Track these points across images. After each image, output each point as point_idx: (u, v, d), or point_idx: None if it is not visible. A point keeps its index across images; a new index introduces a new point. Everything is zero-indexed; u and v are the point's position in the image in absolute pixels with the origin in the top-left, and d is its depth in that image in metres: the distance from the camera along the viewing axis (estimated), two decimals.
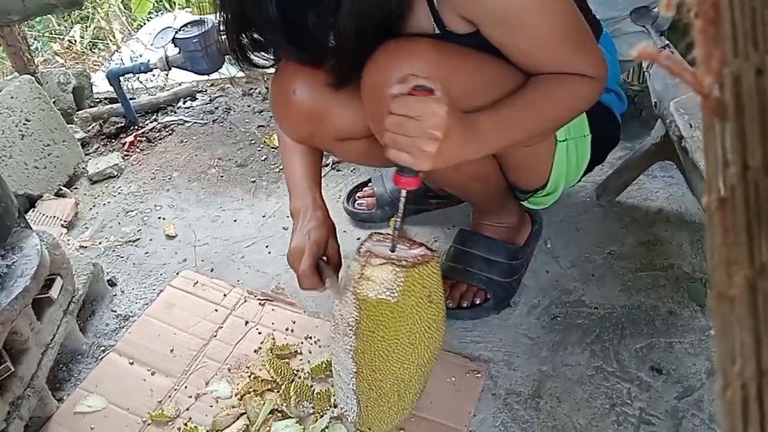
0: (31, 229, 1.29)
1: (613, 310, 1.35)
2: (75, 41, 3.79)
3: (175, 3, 3.38)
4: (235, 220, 1.76)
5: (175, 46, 2.07)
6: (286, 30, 1.09)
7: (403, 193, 0.99)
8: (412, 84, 0.89)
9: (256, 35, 1.12)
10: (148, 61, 2.17)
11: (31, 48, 2.27)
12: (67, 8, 2.12)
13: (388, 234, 1.06)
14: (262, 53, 1.16)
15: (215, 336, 1.39)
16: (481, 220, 1.42)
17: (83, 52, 3.72)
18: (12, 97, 1.91)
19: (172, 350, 1.37)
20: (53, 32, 3.86)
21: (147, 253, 1.69)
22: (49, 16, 3.51)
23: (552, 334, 1.32)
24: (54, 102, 2.09)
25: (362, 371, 1.02)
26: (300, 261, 1.15)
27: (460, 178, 1.23)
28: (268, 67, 1.20)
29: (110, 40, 3.70)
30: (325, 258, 1.18)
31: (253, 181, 1.91)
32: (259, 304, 1.46)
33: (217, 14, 1.09)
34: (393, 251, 1.01)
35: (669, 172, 1.64)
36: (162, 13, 3.63)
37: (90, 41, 3.75)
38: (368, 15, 0.97)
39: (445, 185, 1.32)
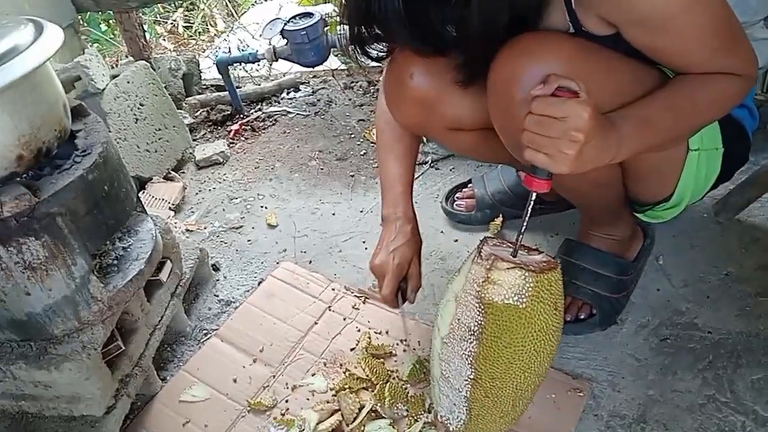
0: (146, 213, 1.34)
1: (729, 336, 1.26)
2: (177, 25, 3.94)
3: None
4: (333, 214, 1.78)
5: (283, 37, 2.11)
6: (411, 23, 1.08)
7: (533, 196, 0.95)
8: (556, 84, 0.86)
9: (376, 29, 1.11)
10: (257, 51, 2.22)
11: (146, 34, 2.37)
12: None
13: (504, 240, 1.04)
14: (380, 46, 1.15)
15: (312, 329, 1.41)
16: (591, 230, 1.36)
17: (187, 36, 3.86)
18: (128, 82, 1.99)
19: (271, 342, 1.39)
20: (158, 15, 4.02)
21: (249, 240, 1.73)
22: None
23: (661, 357, 1.25)
24: (165, 87, 2.17)
25: (480, 378, 0.99)
26: (381, 281, 1.22)
27: (584, 185, 1.18)
28: (383, 59, 1.19)
29: (211, 25, 3.82)
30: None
31: (352, 176, 1.92)
32: (356, 300, 1.46)
33: (340, 8, 1.09)
34: (515, 256, 0.98)
35: None
36: (266, 1, 3.72)
37: (193, 26, 3.88)
38: (500, 12, 0.94)
39: (567, 190, 1.27)
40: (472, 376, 1.00)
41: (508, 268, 0.96)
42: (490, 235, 1.07)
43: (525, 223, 0.98)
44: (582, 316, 1.32)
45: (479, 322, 0.97)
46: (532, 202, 0.96)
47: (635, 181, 1.20)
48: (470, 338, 0.98)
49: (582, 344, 1.30)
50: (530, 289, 0.94)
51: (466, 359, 0.99)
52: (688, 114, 0.99)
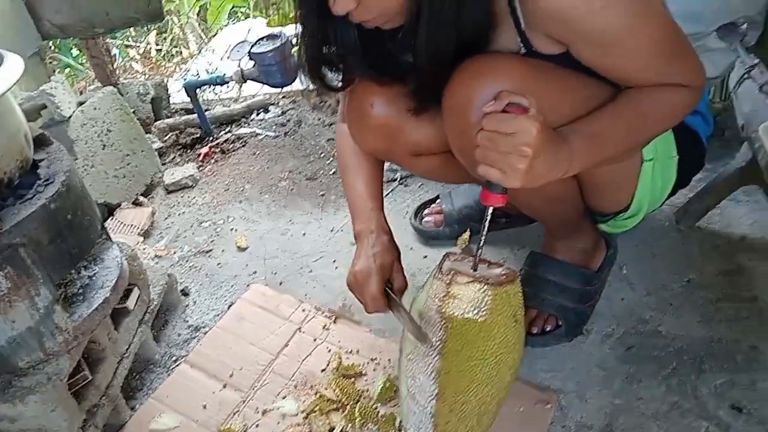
0: (112, 240, 1.34)
1: (692, 343, 1.29)
2: (150, 49, 3.94)
3: (248, 14, 3.46)
4: (304, 234, 1.79)
5: (251, 59, 2.12)
6: (366, 54, 1.11)
7: (489, 210, 0.97)
8: (506, 101, 0.89)
9: (334, 59, 1.14)
10: (224, 74, 2.23)
11: (113, 59, 2.37)
12: (149, 21, 2.20)
13: (466, 254, 1.06)
14: (337, 74, 1.18)
15: (283, 351, 1.41)
16: (554, 242, 1.39)
17: (158, 59, 3.87)
18: (95, 109, 1.99)
19: (241, 366, 1.39)
20: (130, 38, 4.02)
21: (219, 264, 1.73)
22: None
23: (626, 366, 1.27)
24: (133, 112, 2.17)
25: (444, 393, 1.00)
26: (365, 284, 1.17)
27: (540, 199, 1.20)
28: (342, 89, 1.22)
29: (183, 47, 3.82)
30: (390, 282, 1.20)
31: (322, 195, 1.93)
32: (327, 320, 1.47)
33: (297, 38, 1.11)
34: (475, 270, 1.00)
35: (754, 197, 1.56)
36: (235, 22, 3.73)
37: (165, 49, 3.89)
38: (447, 39, 0.97)
39: (522, 205, 1.29)
40: (436, 392, 1.01)
41: (467, 282, 0.98)
42: (454, 250, 1.09)
43: (483, 237, 1.00)
44: (548, 328, 1.34)
45: (441, 337, 0.98)
46: (489, 217, 0.98)
47: (592, 193, 1.23)
48: (433, 353, 0.99)
49: (549, 356, 1.31)
50: (489, 302, 0.96)
51: (430, 375, 1.01)
52: (638, 126, 1.01)
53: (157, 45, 3.97)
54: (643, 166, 1.16)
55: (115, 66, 2.33)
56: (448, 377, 0.99)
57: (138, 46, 4.00)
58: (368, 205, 1.28)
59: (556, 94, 0.99)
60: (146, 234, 1.88)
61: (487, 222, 0.99)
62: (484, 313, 0.95)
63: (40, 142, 1.24)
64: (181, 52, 3.87)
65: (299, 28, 1.10)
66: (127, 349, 1.34)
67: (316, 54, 1.12)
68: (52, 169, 1.17)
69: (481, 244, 1.00)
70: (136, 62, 3.83)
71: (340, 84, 1.21)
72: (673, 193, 1.30)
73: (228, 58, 2.21)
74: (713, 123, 1.31)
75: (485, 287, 0.96)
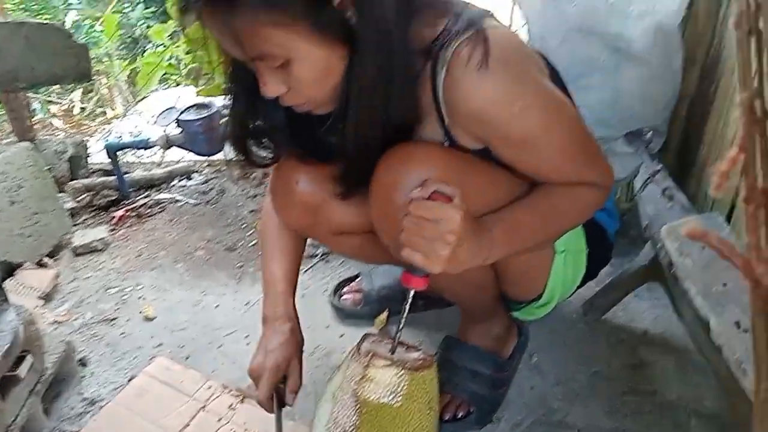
0: (8, 302, 1.26)
1: None
2: (73, 107, 3.85)
3: (179, 81, 3.46)
4: (216, 306, 1.73)
5: (178, 126, 2.10)
6: (294, 134, 1.13)
7: (411, 293, 0.98)
8: (432, 188, 0.92)
9: (261, 136, 1.15)
10: (149, 138, 2.20)
11: (32, 115, 2.29)
12: (75, 80, 2.16)
13: (384, 336, 1.05)
14: (265, 151, 1.19)
15: (184, 431, 1.33)
16: (469, 327, 1.40)
17: (80, 118, 3.77)
18: (7, 163, 1.91)
19: None
20: (53, 94, 3.92)
21: (123, 333, 1.64)
22: None
23: None
24: (49, 169, 2.08)
25: None
26: (257, 384, 1.17)
27: (460, 284, 1.22)
28: (268, 165, 1.22)
29: (109, 107, 3.76)
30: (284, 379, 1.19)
31: (240, 266, 1.89)
32: (234, 399, 1.40)
33: (226, 111, 1.12)
34: (393, 353, 0.99)
35: (655, 293, 1.63)
36: (166, 88, 3.71)
37: (89, 108, 3.81)
38: (374, 129, 1.00)
39: (441, 289, 1.31)
40: None
41: (384, 366, 0.97)
42: (373, 331, 1.08)
43: (403, 320, 1.00)
44: (460, 414, 1.33)
45: (354, 422, 0.96)
46: (410, 299, 0.99)
47: (506, 281, 1.26)
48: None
49: None
50: (405, 387, 0.95)
51: None
52: (553, 219, 1.07)
53: (81, 103, 3.89)
54: (555, 257, 1.21)
55: (33, 121, 2.25)
56: None
57: (61, 103, 3.90)
58: (279, 288, 1.26)
59: (477, 185, 1.03)
60: (47, 297, 1.77)
61: (408, 305, 0.99)
62: (400, 398, 0.94)
63: None
64: (105, 113, 3.80)
65: (229, 102, 1.12)
66: (12, 422, 1.23)
67: (243, 129, 1.13)
68: None
69: (401, 326, 1.01)
70: (57, 119, 3.72)
71: (267, 160, 1.21)
72: (582, 285, 1.35)
73: (155, 123, 2.18)
74: (619, 220, 1.39)
75: (402, 372, 0.95)
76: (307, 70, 0.93)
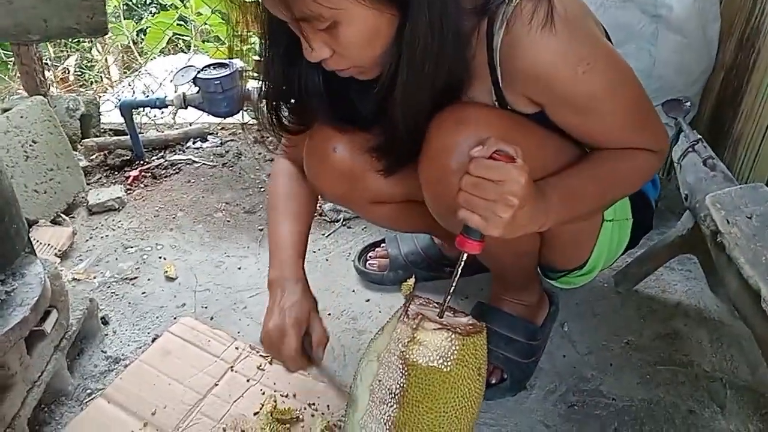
0: (36, 255, 1.22)
1: (632, 404, 1.29)
2: (69, 72, 3.76)
3: (190, 44, 3.39)
4: (239, 268, 1.70)
5: (195, 85, 2.05)
6: (331, 100, 1.08)
7: (464, 257, 0.95)
8: (494, 148, 0.88)
9: (295, 103, 1.11)
10: (165, 97, 2.14)
11: (44, 69, 2.23)
12: (90, 35, 2.09)
13: (429, 299, 1.02)
14: (297, 119, 1.15)
15: (212, 391, 1.31)
16: (502, 295, 1.38)
17: (78, 85, 3.69)
18: (22, 117, 1.86)
19: (165, 404, 1.28)
20: (48, 60, 3.82)
21: (144, 293, 1.61)
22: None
23: (569, 424, 1.25)
24: (61, 126, 2.03)
25: None
26: (281, 343, 1.10)
27: (504, 250, 1.19)
28: (298, 133, 1.18)
29: (106, 76, 3.67)
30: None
31: (261, 230, 1.85)
32: (262, 360, 1.38)
33: (259, 81, 1.08)
34: (441, 317, 0.96)
35: (686, 266, 1.62)
36: (175, 53, 3.63)
37: (86, 75, 3.72)
38: (424, 94, 0.96)
39: (487, 254, 1.29)
40: None
41: (434, 329, 0.94)
42: (419, 295, 1.05)
43: (454, 284, 0.97)
44: (493, 381, 1.31)
45: (401, 384, 0.93)
46: (462, 263, 0.96)
47: (552, 249, 1.23)
48: (390, 401, 0.94)
49: (493, 410, 1.28)
50: (456, 352, 0.92)
51: (385, 423, 0.95)
52: (610, 185, 1.04)
53: (77, 70, 3.79)
54: (603, 225, 1.18)
55: (46, 77, 2.19)
56: (404, 428, 0.94)
57: (56, 69, 3.81)
58: (286, 253, 1.22)
59: (533, 148, 1.00)
60: (64, 255, 1.73)
61: (460, 268, 0.96)
62: (450, 363, 0.92)
63: None
64: (102, 79, 3.72)
65: (263, 68, 1.07)
66: (39, 377, 1.20)
67: (277, 93, 1.09)
68: None
69: (452, 290, 0.98)
70: (54, 86, 3.63)
71: (297, 127, 1.17)
72: (623, 253, 1.33)
73: (171, 81, 2.12)
74: (659, 187, 1.37)
75: (453, 336, 0.92)
76: (355, 33, 0.89)
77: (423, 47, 0.90)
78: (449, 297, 0.98)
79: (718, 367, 1.36)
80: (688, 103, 1.56)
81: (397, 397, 0.93)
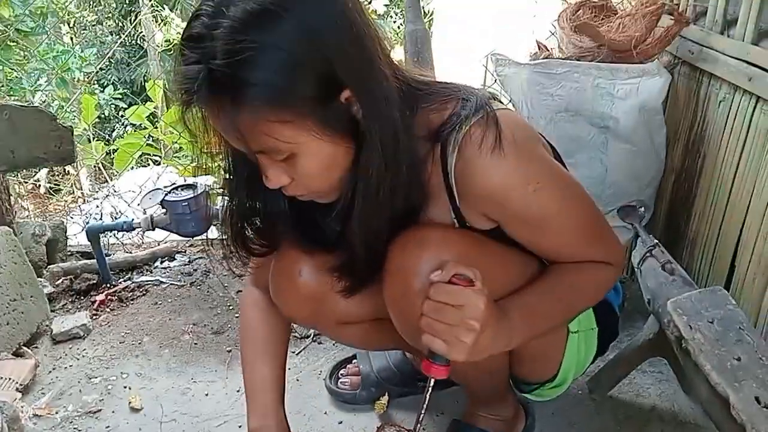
0: None
1: None
2: (39, 186, 3.78)
3: (158, 161, 3.44)
4: (206, 394, 1.65)
5: (163, 207, 2.07)
6: (296, 221, 1.11)
7: (431, 382, 0.94)
8: (453, 272, 0.90)
9: (260, 225, 1.13)
10: (132, 220, 2.15)
11: (10, 198, 2.24)
12: (57, 163, 2.13)
13: (394, 424, 1.00)
14: (263, 241, 1.16)
15: None
16: (477, 411, 1.36)
17: (48, 198, 3.70)
18: None
19: None
20: (19, 175, 3.84)
21: (108, 427, 1.55)
22: None
23: None
24: (26, 253, 2.01)
25: None
26: None
27: (473, 369, 1.18)
28: (265, 255, 1.19)
29: (77, 188, 3.70)
30: None
31: (229, 351, 1.82)
32: None
33: (225, 202, 1.10)
34: None
35: (657, 367, 1.62)
36: (137, 169, 3.68)
37: (57, 188, 3.74)
38: (380, 220, 1.00)
39: (456, 373, 1.28)
40: None
41: None
42: (378, 413, 1.03)
43: (424, 411, 0.96)
44: None
45: None
46: (430, 389, 0.95)
47: (521, 363, 1.23)
48: None
49: None
50: None
51: None
52: (570, 300, 1.06)
53: (47, 183, 3.81)
54: (569, 337, 1.20)
55: (12, 204, 2.19)
56: None
57: (25, 183, 3.82)
58: (268, 396, 1.21)
59: (493, 267, 1.02)
60: (26, 389, 1.67)
61: (428, 395, 0.95)
62: None
63: None
64: (73, 191, 3.74)
65: (227, 193, 1.09)
66: None
67: (242, 219, 1.11)
68: None
69: (421, 418, 0.96)
70: (24, 199, 3.64)
71: (264, 250, 1.18)
72: (592, 362, 1.33)
73: (139, 204, 2.14)
74: (622, 293, 1.39)
75: None
76: (312, 164, 0.92)
77: (377, 177, 0.94)
78: (420, 425, 0.97)
79: None
80: (642, 209, 1.62)
81: None
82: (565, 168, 1.15)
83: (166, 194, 2.06)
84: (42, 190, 3.86)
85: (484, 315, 0.89)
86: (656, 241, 1.50)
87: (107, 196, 2.75)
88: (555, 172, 1.03)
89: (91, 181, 3.95)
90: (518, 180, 0.97)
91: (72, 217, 2.74)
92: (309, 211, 1.10)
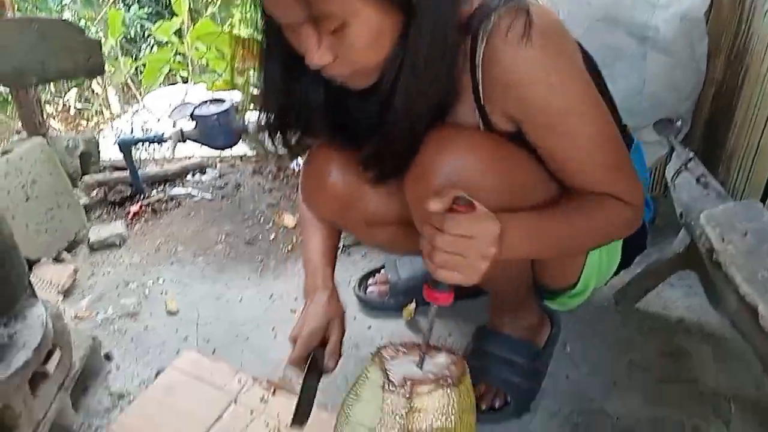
0: (37, 297, 1.23)
1: (637, 423, 1.29)
2: (69, 106, 3.80)
3: (186, 78, 3.43)
4: (240, 300, 1.71)
5: (193, 120, 2.08)
6: (330, 115, 1.10)
7: (434, 309, 0.94)
8: (452, 196, 0.88)
9: (294, 121, 1.12)
10: (162, 133, 2.17)
11: (43, 110, 2.26)
12: (87, 76, 2.13)
13: (398, 347, 0.99)
14: (297, 140, 1.16)
15: (216, 424, 1.30)
16: (501, 318, 1.38)
17: (79, 118, 3.73)
18: (21, 159, 1.88)
19: None
20: (49, 94, 3.87)
21: (146, 328, 1.62)
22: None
23: None
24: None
25: None
26: (294, 346, 1.15)
27: (496, 276, 1.19)
28: (298, 154, 1.20)
29: (105, 107, 3.71)
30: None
31: (261, 260, 1.86)
32: (265, 391, 1.38)
33: (259, 97, 1.10)
34: (421, 366, 0.95)
35: (686, 281, 1.62)
36: (167, 85, 3.68)
37: (87, 107, 3.76)
38: (421, 106, 0.98)
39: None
40: None
41: (429, 392, 0.91)
42: (389, 345, 1.02)
43: (428, 334, 0.95)
44: (497, 404, 1.31)
45: None
46: (434, 315, 0.95)
47: (543, 270, 1.24)
48: None
49: None
50: (455, 404, 0.91)
51: None
52: (582, 230, 1.03)
53: (77, 103, 3.84)
54: None
55: (45, 116, 2.22)
56: None
57: (56, 103, 3.85)
58: (316, 263, 1.27)
59: (517, 173, 1.02)
60: (66, 293, 1.74)
61: (433, 322, 0.95)
62: (453, 416, 0.90)
63: None
64: (102, 113, 3.76)
65: (261, 83, 1.09)
66: (44, 417, 1.20)
67: (278, 107, 1.10)
68: None
69: (427, 339, 0.96)
70: (54, 119, 3.68)
71: (298, 149, 1.19)
72: (615, 274, 1.33)
73: (169, 117, 2.15)
74: (653, 210, 1.37)
75: (449, 391, 0.91)
76: (362, 35, 0.90)
77: (426, 53, 0.93)
78: (425, 347, 0.96)
79: (722, 383, 1.36)
80: (679, 122, 1.58)
81: None
82: (601, 77, 1.12)
83: (196, 108, 2.07)
84: (72, 111, 3.88)
85: (497, 239, 0.88)
86: (692, 154, 1.47)
87: (137, 111, 2.76)
88: (582, 72, 0.99)
89: (120, 101, 3.96)
90: (543, 68, 0.93)
91: (104, 137, 2.76)
92: (344, 104, 1.09)
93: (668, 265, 1.47)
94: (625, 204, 1.03)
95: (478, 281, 0.90)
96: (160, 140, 2.17)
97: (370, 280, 1.68)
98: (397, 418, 0.90)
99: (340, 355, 1.19)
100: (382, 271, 1.69)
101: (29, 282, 1.21)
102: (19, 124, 2.23)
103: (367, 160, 1.10)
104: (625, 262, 1.32)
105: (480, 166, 0.99)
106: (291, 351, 1.16)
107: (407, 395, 0.90)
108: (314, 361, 1.15)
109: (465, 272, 0.89)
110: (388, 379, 0.92)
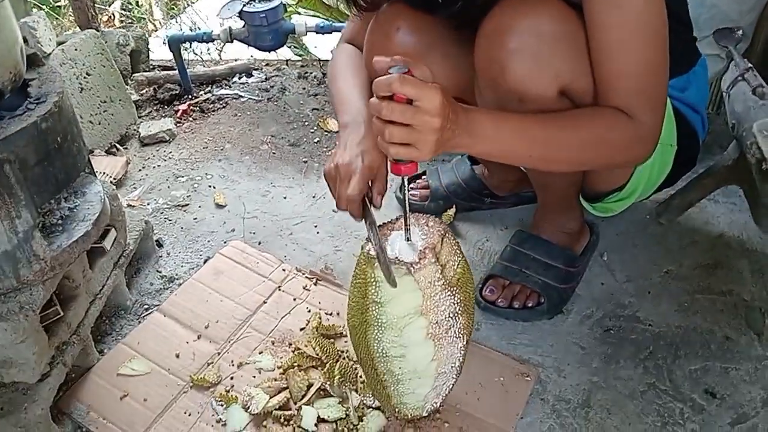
0: (95, 175, 1.28)
1: (668, 330, 1.31)
2: (114, 17, 3.81)
3: None
4: (285, 197, 1.75)
5: (241, 19, 2.07)
6: None
7: (405, 180, 0.95)
8: (398, 59, 0.87)
9: None
10: (211, 31, 2.18)
11: (96, 5, 2.28)
12: None
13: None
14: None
15: (261, 308, 1.38)
16: (543, 222, 1.40)
17: (121, 25, 3.73)
18: (76, 50, 1.91)
19: (217, 319, 1.35)
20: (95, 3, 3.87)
21: (195, 219, 1.68)
22: None
23: (604, 346, 1.29)
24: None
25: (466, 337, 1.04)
26: (346, 180, 1.01)
27: (553, 174, 1.20)
28: (370, 9, 1.19)
29: (149, 20, 3.71)
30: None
31: (305, 162, 1.90)
32: (307, 281, 1.44)
33: None
34: (409, 239, 0.96)
35: (731, 198, 1.60)
36: None
37: (132, 13, 3.76)
38: None
39: (532, 177, 1.33)
40: (465, 345, 1.03)
41: (441, 245, 0.97)
42: (446, 223, 1.07)
43: (407, 207, 0.95)
44: (530, 304, 1.34)
45: (458, 300, 0.97)
46: (407, 187, 0.96)
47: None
48: (454, 318, 0.98)
49: (529, 331, 1.32)
50: (456, 243, 1.01)
51: (458, 337, 1.01)
52: (573, 139, 1.02)
53: (122, 11, 3.84)
54: None
55: (97, 11, 2.24)
56: (469, 321, 1.03)
57: (101, 11, 3.85)
58: (359, 102, 1.15)
59: (579, 42, 1.00)
60: (119, 184, 1.81)
61: (408, 191, 0.96)
62: (460, 253, 1.00)
63: (31, 62, 1.17)
64: (146, 24, 3.76)
65: None
66: (100, 290, 1.28)
67: None
68: (43, 90, 1.11)
69: (407, 213, 0.95)
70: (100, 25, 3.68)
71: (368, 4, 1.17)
72: (659, 189, 1.33)
73: (217, 15, 2.15)
74: (707, 132, 1.35)
75: (448, 235, 0.99)
76: None
77: None
78: (408, 221, 0.96)
79: (757, 296, 1.37)
80: (740, 32, 1.52)
81: (457, 311, 0.97)
82: None
83: (245, 5, 2.06)
84: (117, 23, 3.89)
85: (443, 109, 0.86)
86: (750, 65, 1.42)
87: (183, 11, 2.76)
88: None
89: (162, 10, 3.94)
90: None
91: (155, 37, 2.78)
92: None
93: (715, 179, 1.45)
94: (629, 119, 1.01)
95: (430, 156, 0.88)
96: (208, 39, 2.18)
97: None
98: (436, 282, 0.94)
99: (383, 194, 1.06)
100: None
101: (89, 160, 1.26)
102: (70, 22, 2.26)
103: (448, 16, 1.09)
104: (673, 177, 1.30)
105: (553, 28, 0.99)
106: (332, 189, 1.06)
107: (434, 259, 0.94)
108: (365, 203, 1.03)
109: (417, 145, 0.87)
110: (406, 262, 0.93)
